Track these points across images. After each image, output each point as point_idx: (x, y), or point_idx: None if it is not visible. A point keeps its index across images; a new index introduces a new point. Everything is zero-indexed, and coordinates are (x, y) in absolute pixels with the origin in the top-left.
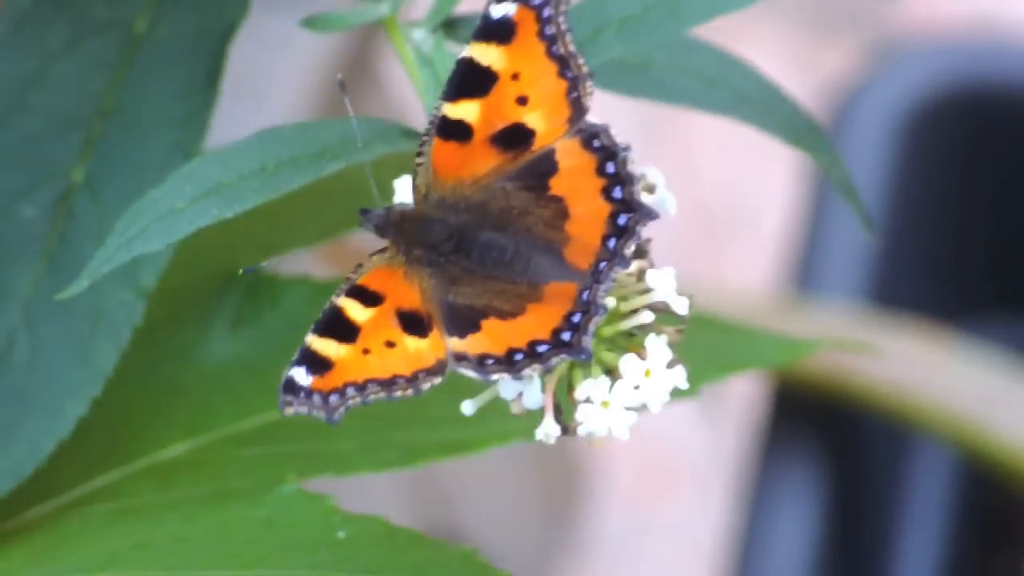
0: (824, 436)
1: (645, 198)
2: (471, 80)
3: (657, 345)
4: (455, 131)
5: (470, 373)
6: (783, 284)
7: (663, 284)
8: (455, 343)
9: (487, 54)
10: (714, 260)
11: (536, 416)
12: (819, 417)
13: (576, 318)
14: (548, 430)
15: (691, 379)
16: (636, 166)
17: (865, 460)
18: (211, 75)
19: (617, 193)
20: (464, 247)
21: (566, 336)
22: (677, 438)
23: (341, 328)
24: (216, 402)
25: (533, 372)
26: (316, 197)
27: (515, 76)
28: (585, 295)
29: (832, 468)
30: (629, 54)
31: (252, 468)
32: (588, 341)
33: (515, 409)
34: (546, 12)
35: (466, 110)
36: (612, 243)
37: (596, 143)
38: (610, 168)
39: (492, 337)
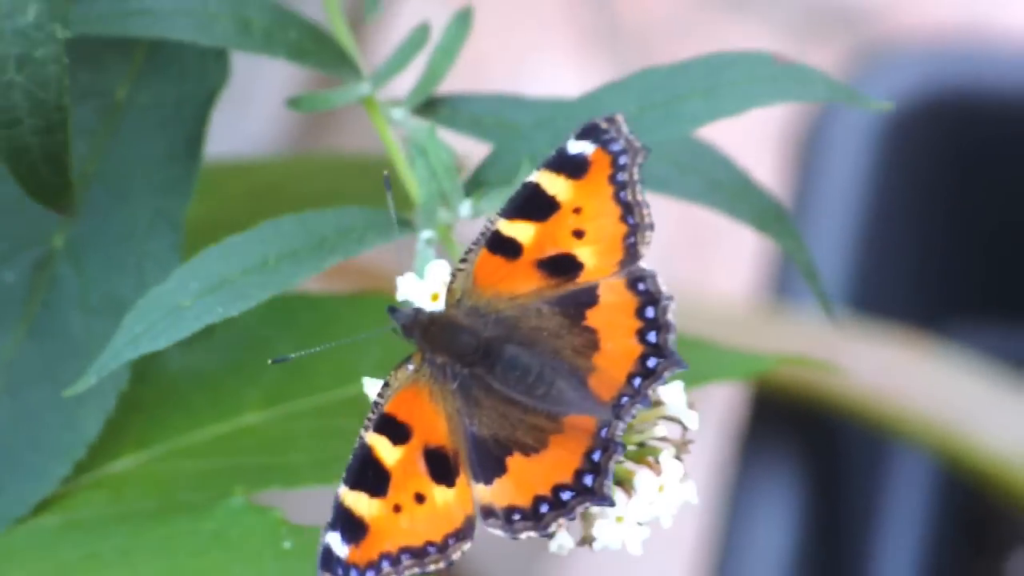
0: (803, 441)
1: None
2: (533, 204)
3: (670, 460)
4: (505, 247)
5: (499, 533)
6: (764, 292)
7: (674, 399)
8: (482, 492)
9: (555, 184)
10: (699, 268)
11: None
12: (798, 422)
13: (596, 456)
14: (562, 543)
15: None
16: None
17: (844, 465)
18: (192, 142)
19: (652, 337)
20: (489, 360)
21: (588, 480)
22: None
23: (371, 474)
24: (167, 415)
25: (558, 525)
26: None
27: (577, 210)
28: (604, 432)
29: (811, 473)
30: None
31: (202, 481)
32: (609, 486)
33: None
34: (623, 160)
35: (521, 230)
36: (637, 382)
37: (641, 286)
38: (650, 312)
39: (518, 482)
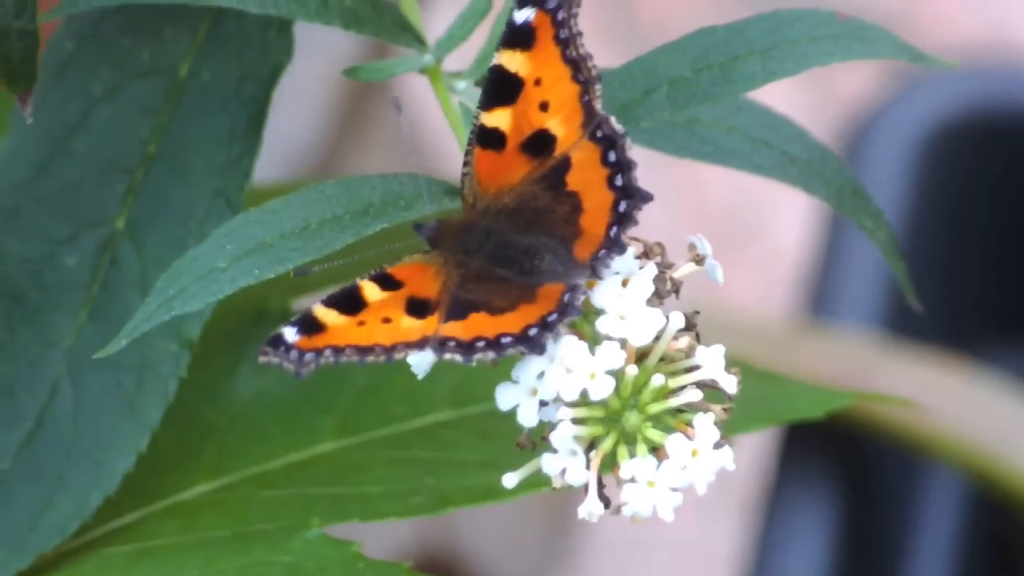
0: (836, 460)
1: (692, 268)
2: (501, 87)
3: (705, 424)
4: (491, 139)
5: (429, 351)
6: (792, 308)
7: (712, 361)
8: (439, 327)
9: (513, 60)
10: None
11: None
12: (832, 441)
13: (551, 317)
14: (592, 508)
15: (727, 429)
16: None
17: (877, 485)
18: (254, 121)
19: (618, 180)
20: (495, 251)
21: (532, 332)
22: None
23: (350, 302)
24: (241, 442)
25: (486, 357)
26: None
27: (537, 82)
28: (567, 297)
29: (844, 492)
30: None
31: (276, 510)
32: (547, 338)
33: (556, 484)
34: (560, 15)
35: (499, 118)
36: (614, 231)
37: (599, 133)
38: (611, 156)
39: (469, 325)
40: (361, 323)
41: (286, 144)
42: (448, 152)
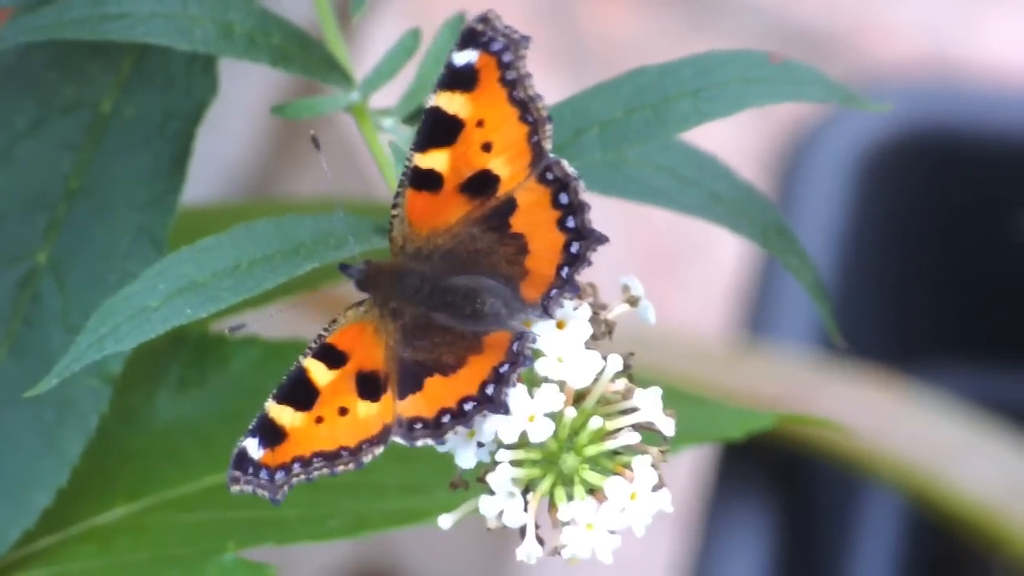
0: (775, 479)
1: (626, 309)
2: (439, 129)
3: (643, 467)
4: (426, 181)
5: (399, 440)
6: (732, 328)
7: (649, 404)
8: (398, 406)
9: (452, 102)
10: (664, 295)
11: (479, 488)
12: (769, 459)
13: (504, 368)
14: (530, 551)
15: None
16: (631, 278)
17: (815, 504)
18: (177, 158)
19: (570, 222)
20: (432, 295)
21: (490, 390)
22: None
23: (302, 392)
24: (159, 466)
25: (455, 433)
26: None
27: (480, 123)
28: (515, 346)
29: (782, 511)
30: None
31: (193, 534)
32: (508, 394)
33: (491, 525)
34: (507, 58)
35: (435, 159)
36: (565, 271)
37: (550, 175)
38: (563, 198)
39: (429, 397)
40: (319, 419)
41: (222, 162)
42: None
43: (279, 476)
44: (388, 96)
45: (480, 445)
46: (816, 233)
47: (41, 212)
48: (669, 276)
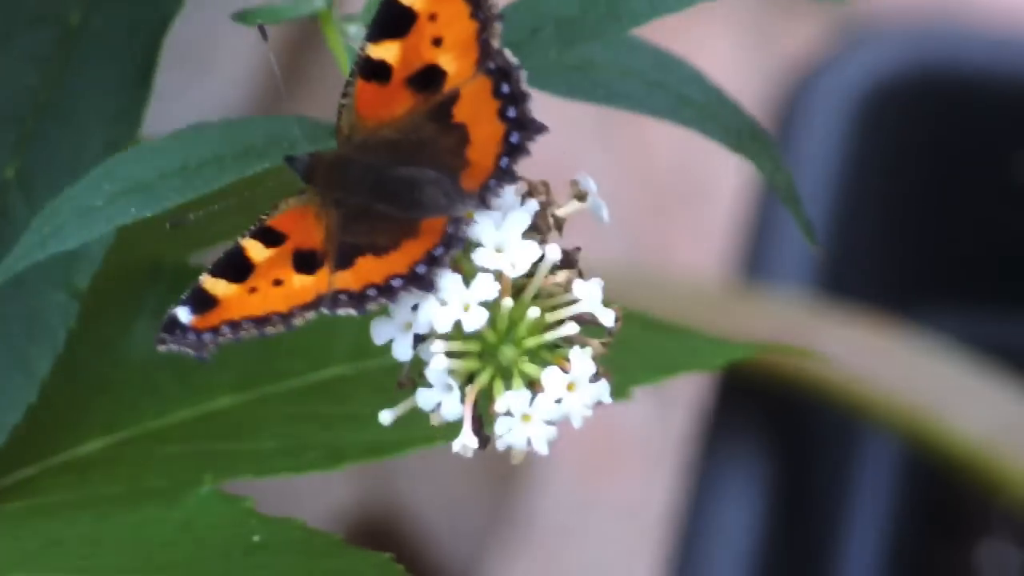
0: (771, 422)
1: (576, 206)
2: (392, 20)
3: (581, 358)
4: (376, 72)
5: (324, 310)
6: (732, 270)
7: (590, 295)
8: (330, 280)
9: None
10: (664, 238)
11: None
12: (767, 403)
13: (438, 251)
14: (466, 442)
15: (625, 380)
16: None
17: (812, 447)
18: (144, 70)
19: (511, 112)
20: (375, 186)
21: (420, 269)
22: (624, 416)
23: (237, 267)
24: (137, 398)
25: (379, 305)
26: (247, 185)
27: (432, 16)
28: (451, 228)
29: (779, 454)
30: (568, 55)
31: (171, 467)
32: (437, 275)
33: (434, 421)
34: None
35: (387, 51)
36: (504, 162)
37: (492, 65)
38: (504, 88)
39: (358, 273)
40: (253, 290)
41: (216, 105)
42: None
43: (207, 336)
44: (357, 3)
45: (420, 339)
46: (814, 176)
47: (9, 127)
48: (669, 218)
